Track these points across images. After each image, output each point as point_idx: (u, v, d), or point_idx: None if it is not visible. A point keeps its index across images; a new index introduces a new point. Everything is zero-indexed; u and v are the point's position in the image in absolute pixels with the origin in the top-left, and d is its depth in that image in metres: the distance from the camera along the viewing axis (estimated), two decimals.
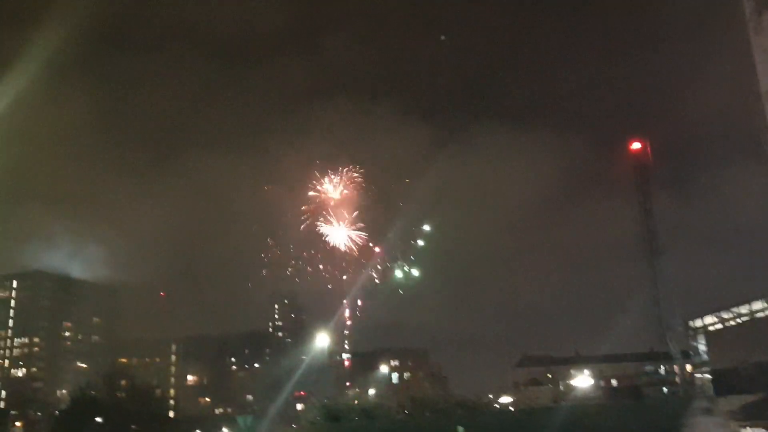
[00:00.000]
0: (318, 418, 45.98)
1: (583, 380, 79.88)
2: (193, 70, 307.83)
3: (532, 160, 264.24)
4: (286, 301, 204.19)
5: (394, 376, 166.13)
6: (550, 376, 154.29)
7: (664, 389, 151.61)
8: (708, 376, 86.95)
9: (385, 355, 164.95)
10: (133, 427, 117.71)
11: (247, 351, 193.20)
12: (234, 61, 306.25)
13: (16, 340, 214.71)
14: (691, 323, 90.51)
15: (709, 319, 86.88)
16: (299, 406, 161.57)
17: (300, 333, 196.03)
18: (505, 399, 55.94)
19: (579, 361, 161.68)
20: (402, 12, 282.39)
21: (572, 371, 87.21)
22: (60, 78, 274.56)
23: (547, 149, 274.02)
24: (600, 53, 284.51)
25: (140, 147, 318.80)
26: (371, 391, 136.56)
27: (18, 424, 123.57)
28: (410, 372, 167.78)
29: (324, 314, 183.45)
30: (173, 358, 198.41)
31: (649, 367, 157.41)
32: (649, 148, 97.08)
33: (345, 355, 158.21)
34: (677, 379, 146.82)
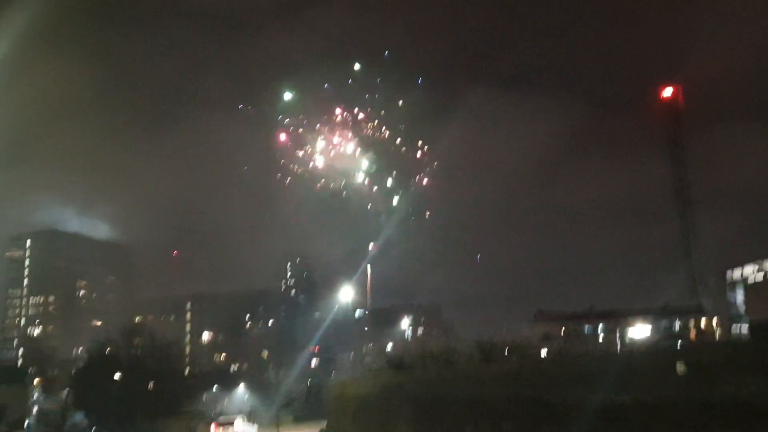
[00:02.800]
0: (386, 365, 40.10)
1: (641, 330, 74.33)
2: (188, 40, 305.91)
3: (542, 120, 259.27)
4: (298, 260, 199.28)
5: (408, 331, 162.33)
6: (564, 330, 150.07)
7: (679, 344, 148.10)
8: (745, 330, 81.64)
9: (400, 311, 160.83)
10: (150, 383, 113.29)
11: (261, 308, 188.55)
12: (227, 32, 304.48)
13: (31, 298, 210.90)
14: (728, 273, 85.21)
15: (749, 269, 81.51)
16: (314, 362, 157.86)
17: (312, 291, 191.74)
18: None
19: (593, 317, 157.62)
20: None
21: (632, 321, 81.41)
22: (62, 48, 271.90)
23: (556, 108, 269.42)
24: (601, 12, 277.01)
25: (146, 111, 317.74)
26: (389, 346, 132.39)
27: (36, 381, 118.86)
28: (424, 328, 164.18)
29: (334, 273, 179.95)
30: (188, 315, 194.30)
31: (663, 322, 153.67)
32: (681, 95, 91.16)
33: (358, 312, 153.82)
34: (693, 335, 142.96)
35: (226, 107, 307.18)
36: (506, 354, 32.34)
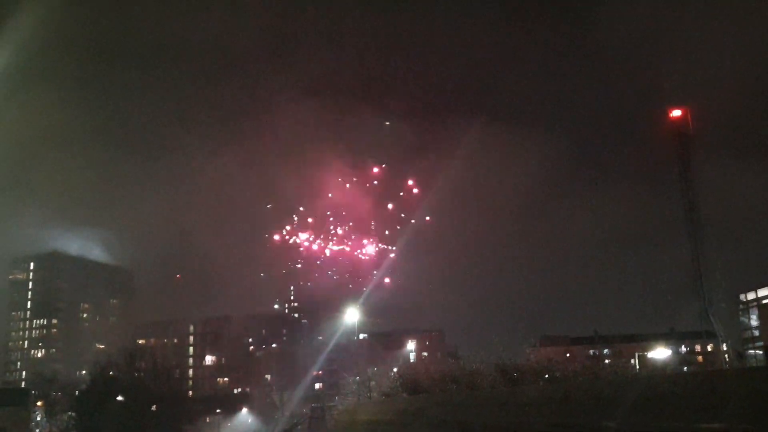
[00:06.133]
0: (399, 389, 37.47)
1: (661, 352, 71.53)
2: (179, 79, 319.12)
3: (546, 151, 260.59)
4: (301, 283, 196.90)
5: (412, 356, 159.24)
6: (568, 355, 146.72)
7: (684, 369, 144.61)
8: (760, 352, 78.89)
9: (403, 334, 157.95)
10: (153, 406, 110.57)
11: (264, 331, 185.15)
12: (215, 72, 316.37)
13: (34, 321, 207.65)
14: (742, 297, 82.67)
15: (763, 292, 78.88)
16: (318, 386, 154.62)
17: (315, 314, 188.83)
18: None
19: (597, 341, 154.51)
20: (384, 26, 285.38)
21: (651, 344, 78.43)
22: (62, 85, 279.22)
23: (560, 139, 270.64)
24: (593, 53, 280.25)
25: (143, 142, 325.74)
26: (394, 370, 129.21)
27: (39, 403, 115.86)
28: (427, 352, 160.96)
29: (339, 295, 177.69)
30: (191, 338, 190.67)
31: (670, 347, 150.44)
32: (689, 116, 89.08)
33: (362, 335, 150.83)
34: (699, 359, 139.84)
35: (216, 139, 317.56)
36: (534, 376, 29.94)
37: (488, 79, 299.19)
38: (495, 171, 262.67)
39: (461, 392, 30.69)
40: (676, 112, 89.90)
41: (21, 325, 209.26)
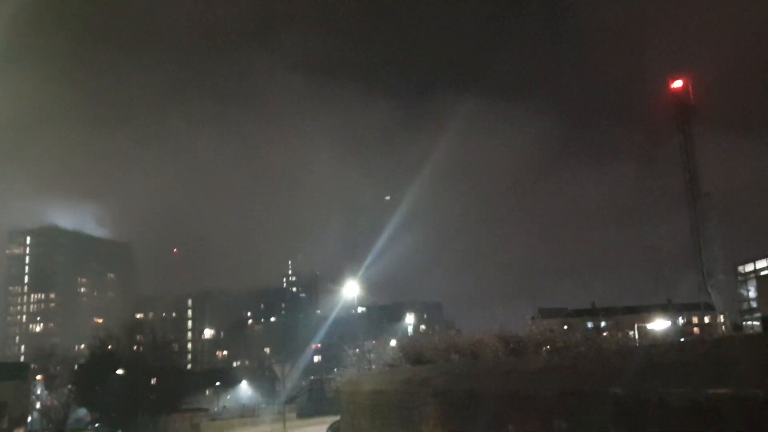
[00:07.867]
0: (402, 359, 37.67)
1: (660, 324, 71.87)
2: (167, 60, 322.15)
3: (542, 125, 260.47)
4: (299, 257, 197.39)
5: (410, 329, 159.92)
6: (566, 327, 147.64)
7: (681, 340, 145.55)
8: (757, 323, 79.46)
9: (402, 308, 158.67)
10: (152, 380, 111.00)
11: (262, 305, 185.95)
12: (202, 53, 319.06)
13: (32, 295, 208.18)
14: (740, 268, 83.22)
15: (761, 263, 79.33)
16: (316, 359, 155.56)
17: (314, 288, 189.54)
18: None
19: (595, 314, 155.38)
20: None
21: (649, 316, 78.64)
22: (55, 67, 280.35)
23: (555, 113, 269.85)
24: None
25: (135, 120, 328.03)
26: (392, 342, 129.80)
27: (39, 377, 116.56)
28: (425, 324, 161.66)
29: (337, 269, 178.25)
30: (189, 312, 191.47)
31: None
32: (690, 87, 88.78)
33: (360, 309, 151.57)
34: (696, 330, 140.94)
35: (208, 116, 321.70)
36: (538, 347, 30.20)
37: (480, 55, 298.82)
38: (489, 146, 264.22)
39: (465, 362, 30.99)
40: (677, 83, 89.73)
41: (19, 300, 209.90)
